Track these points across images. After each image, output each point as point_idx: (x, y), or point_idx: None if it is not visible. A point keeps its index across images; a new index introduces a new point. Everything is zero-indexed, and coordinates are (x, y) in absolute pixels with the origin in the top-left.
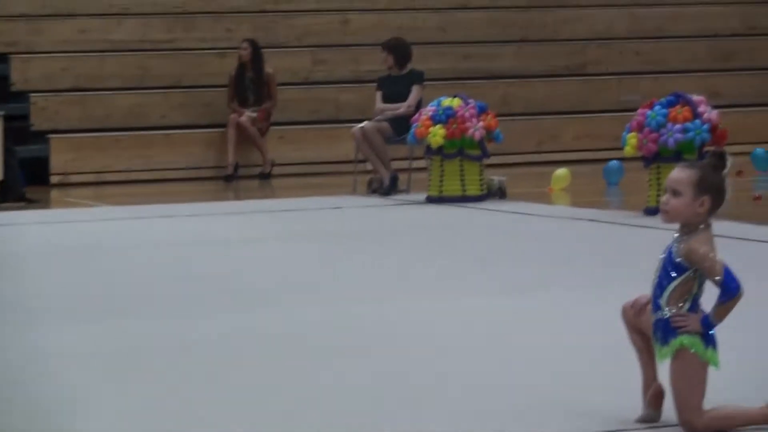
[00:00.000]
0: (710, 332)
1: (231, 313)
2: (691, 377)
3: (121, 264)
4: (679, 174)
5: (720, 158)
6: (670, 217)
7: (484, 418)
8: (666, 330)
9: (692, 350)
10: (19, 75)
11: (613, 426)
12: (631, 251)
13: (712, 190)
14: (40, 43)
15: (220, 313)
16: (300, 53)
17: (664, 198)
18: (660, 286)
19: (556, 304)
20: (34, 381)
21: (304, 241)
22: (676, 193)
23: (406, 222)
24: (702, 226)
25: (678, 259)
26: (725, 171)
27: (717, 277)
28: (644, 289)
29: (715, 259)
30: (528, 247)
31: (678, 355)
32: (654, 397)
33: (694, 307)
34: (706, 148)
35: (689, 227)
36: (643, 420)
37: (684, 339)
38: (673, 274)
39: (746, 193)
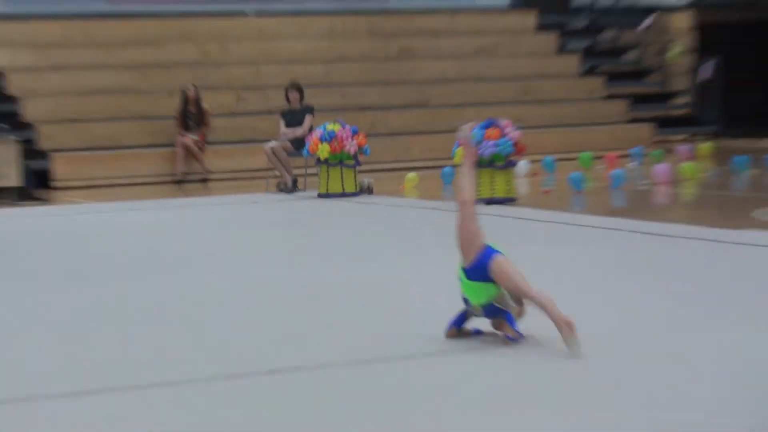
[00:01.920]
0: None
1: (176, 278)
2: (510, 272)
3: (102, 245)
4: None
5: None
6: None
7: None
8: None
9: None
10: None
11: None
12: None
13: None
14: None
15: (160, 278)
16: (227, 93)
17: None
18: None
19: (411, 269)
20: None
21: (231, 226)
22: None
23: (303, 211)
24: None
25: None
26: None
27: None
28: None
29: None
30: (388, 229)
31: (492, 266)
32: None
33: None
34: (511, 158)
35: None
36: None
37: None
38: None
39: (538, 188)
